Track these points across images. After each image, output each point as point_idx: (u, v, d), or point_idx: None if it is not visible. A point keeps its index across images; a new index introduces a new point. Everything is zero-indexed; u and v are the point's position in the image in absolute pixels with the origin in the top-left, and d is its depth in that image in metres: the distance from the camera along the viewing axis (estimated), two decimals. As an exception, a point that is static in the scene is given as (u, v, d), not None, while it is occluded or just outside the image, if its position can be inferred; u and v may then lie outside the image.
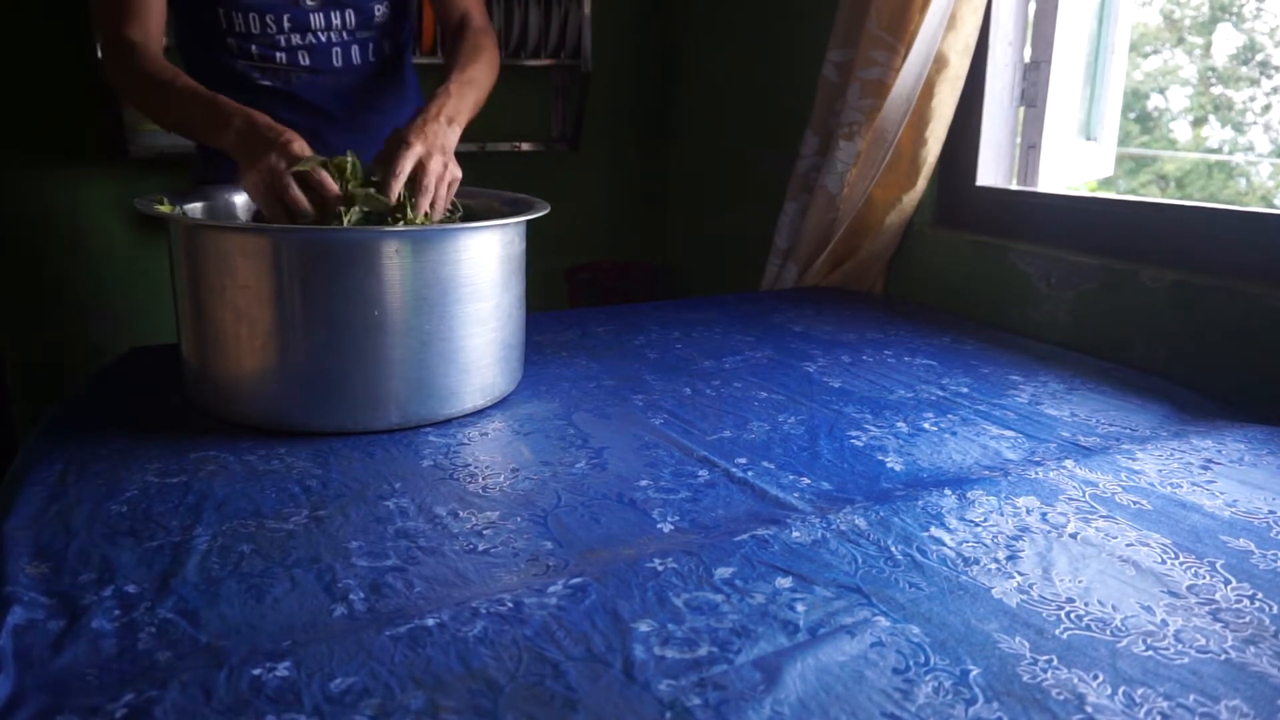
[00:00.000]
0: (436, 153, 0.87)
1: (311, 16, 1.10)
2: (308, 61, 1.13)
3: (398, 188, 0.83)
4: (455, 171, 0.91)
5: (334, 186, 0.83)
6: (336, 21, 1.11)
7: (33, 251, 2.12)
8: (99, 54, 1.06)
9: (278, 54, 1.11)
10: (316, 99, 1.14)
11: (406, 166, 0.84)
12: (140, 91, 1.00)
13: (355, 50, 1.15)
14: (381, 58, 1.18)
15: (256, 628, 0.50)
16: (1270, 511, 0.66)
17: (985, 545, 0.60)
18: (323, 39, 1.12)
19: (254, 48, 1.10)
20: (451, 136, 0.92)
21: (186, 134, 1.01)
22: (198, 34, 1.12)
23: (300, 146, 0.84)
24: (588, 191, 2.39)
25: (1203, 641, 0.50)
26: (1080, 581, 0.56)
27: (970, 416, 0.86)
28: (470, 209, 1.02)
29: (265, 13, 1.08)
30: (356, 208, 0.83)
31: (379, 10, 1.13)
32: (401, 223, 0.84)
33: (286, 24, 1.09)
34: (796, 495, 0.69)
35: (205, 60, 1.14)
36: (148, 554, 0.58)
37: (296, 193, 0.83)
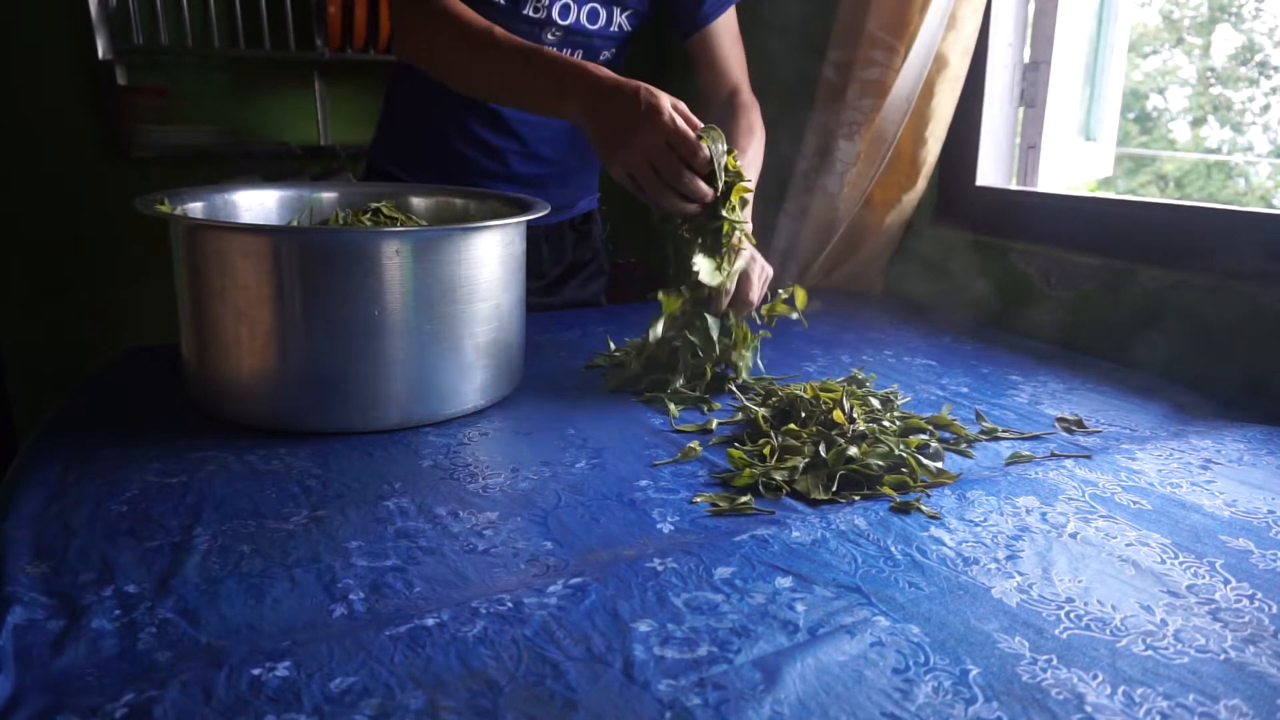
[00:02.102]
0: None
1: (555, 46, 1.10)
2: None
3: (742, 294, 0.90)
4: (768, 270, 0.95)
5: (707, 191, 0.82)
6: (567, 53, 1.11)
7: (33, 251, 2.12)
8: (398, 17, 1.02)
9: None
10: (513, 124, 1.15)
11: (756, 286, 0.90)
12: (452, 47, 0.94)
13: None
14: None
15: (256, 628, 0.50)
16: (1269, 511, 0.66)
17: (985, 545, 0.60)
18: None
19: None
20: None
21: (510, 97, 0.96)
22: None
23: (668, 113, 0.79)
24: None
25: (1202, 641, 0.50)
26: (1080, 581, 0.56)
27: (970, 416, 0.86)
28: (470, 209, 1.03)
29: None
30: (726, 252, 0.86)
31: (604, 55, 1.14)
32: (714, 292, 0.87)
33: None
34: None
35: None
36: (148, 554, 0.58)
37: (695, 182, 0.81)
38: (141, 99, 2.10)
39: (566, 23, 1.08)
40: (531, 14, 1.07)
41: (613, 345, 1.05)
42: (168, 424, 0.81)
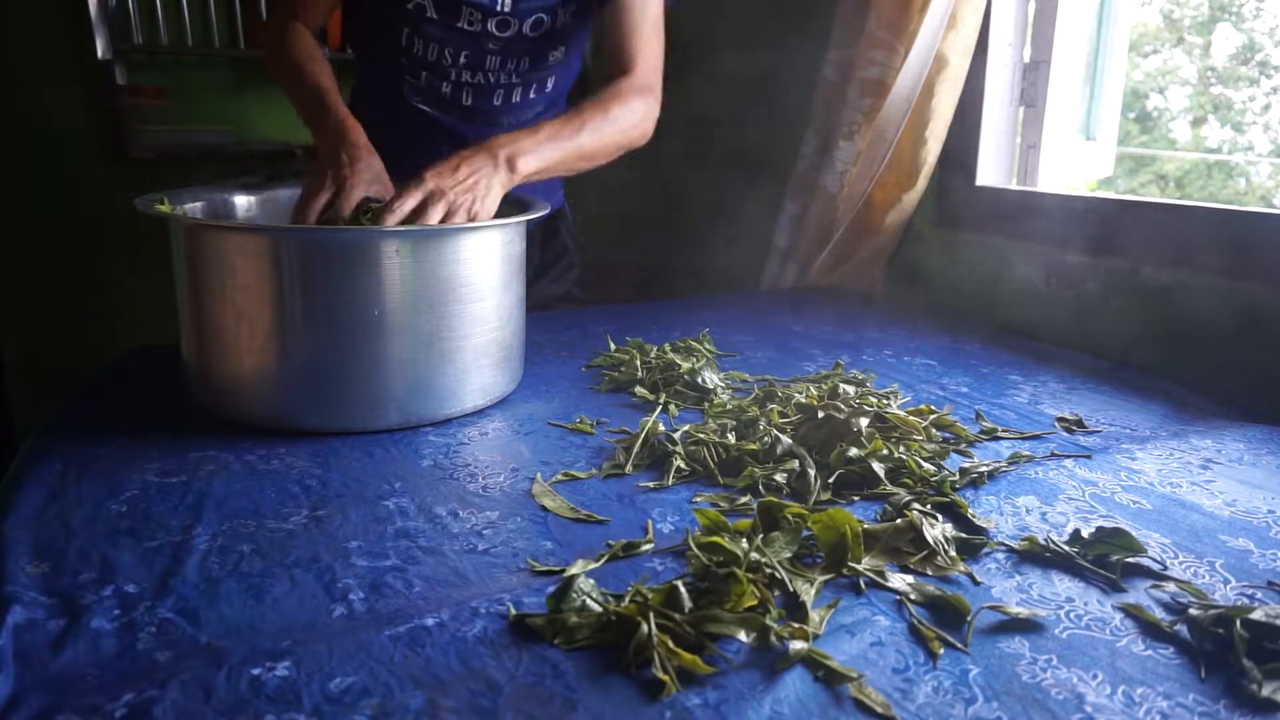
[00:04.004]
0: (447, 195, 0.82)
1: (489, 58, 1.10)
2: (470, 100, 1.13)
3: (391, 222, 0.79)
4: (475, 210, 0.84)
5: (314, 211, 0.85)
6: (510, 65, 1.11)
7: (33, 251, 2.12)
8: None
9: (444, 85, 1.12)
10: (465, 133, 1.15)
11: (407, 207, 0.81)
12: (274, 64, 1.03)
13: (519, 91, 1.15)
14: (541, 96, 1.18)
15: (256, 628, 0.50)
16: (1269, 511, 0.66)
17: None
18: (491, 80, 1.12)
19: (424, 74, 1.11)
20: (496, 180, 0.87)
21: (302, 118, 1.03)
22: (377, 46, 1.13)
23: (356, 192, 0.85)
24: (587, 192, 2.40)
25: (1202, 641, 0.49)
26: (1080, 581, 0.56)
27: (970, 416, 0.86)
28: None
29: (446, 46, 1.08)
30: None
31: (554, 55, 1.13)
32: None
33: (462, 60, 1.10)
34: (796, 495, 0.69)
35: (373, 71, 1.16)
36: (148, 554, 0.58)
37: (315, 205, 0.85)
38: (142, 99, 2.10)
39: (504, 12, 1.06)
40: (466, 27, 1.07)
41: (613, 345, 1.05)
42: (168, 424, 0.81)
